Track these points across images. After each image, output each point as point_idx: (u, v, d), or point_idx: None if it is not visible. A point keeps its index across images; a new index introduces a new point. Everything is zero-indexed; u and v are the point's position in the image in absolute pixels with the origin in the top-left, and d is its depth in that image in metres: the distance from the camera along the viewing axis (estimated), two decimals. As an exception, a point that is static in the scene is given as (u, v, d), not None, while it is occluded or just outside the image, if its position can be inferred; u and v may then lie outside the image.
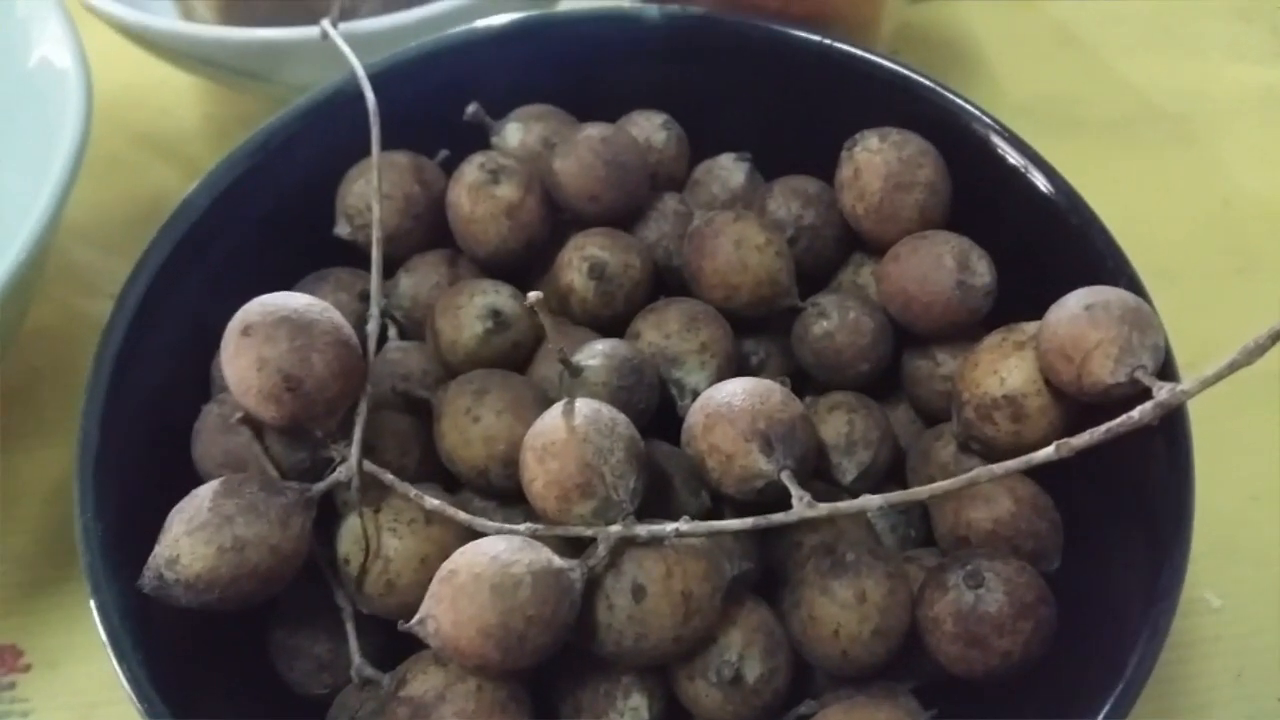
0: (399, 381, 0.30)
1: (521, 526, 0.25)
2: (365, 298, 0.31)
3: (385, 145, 0.31)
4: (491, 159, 0.32)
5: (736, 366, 0.31)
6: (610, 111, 0.35)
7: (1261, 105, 0.49)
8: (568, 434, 0.25)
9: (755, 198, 0.34)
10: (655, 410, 0.29)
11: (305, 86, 0.34)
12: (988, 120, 0.32)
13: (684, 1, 0.36)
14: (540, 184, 0.33)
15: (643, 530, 0.25)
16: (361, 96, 0.31)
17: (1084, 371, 0.26)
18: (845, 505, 0.25)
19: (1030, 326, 0.28)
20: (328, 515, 0.27)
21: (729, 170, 0.35)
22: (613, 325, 0.32)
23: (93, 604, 0.25)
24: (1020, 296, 0.29)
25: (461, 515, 0.26)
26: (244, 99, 0.47)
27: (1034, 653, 0.26)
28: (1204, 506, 0.26)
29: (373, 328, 0.29)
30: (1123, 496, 0.28)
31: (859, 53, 0.34)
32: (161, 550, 0.25)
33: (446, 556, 0.24)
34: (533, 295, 0.24)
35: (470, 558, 0.24)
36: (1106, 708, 0.24)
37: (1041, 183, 0.31)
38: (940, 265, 0.30)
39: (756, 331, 0.32)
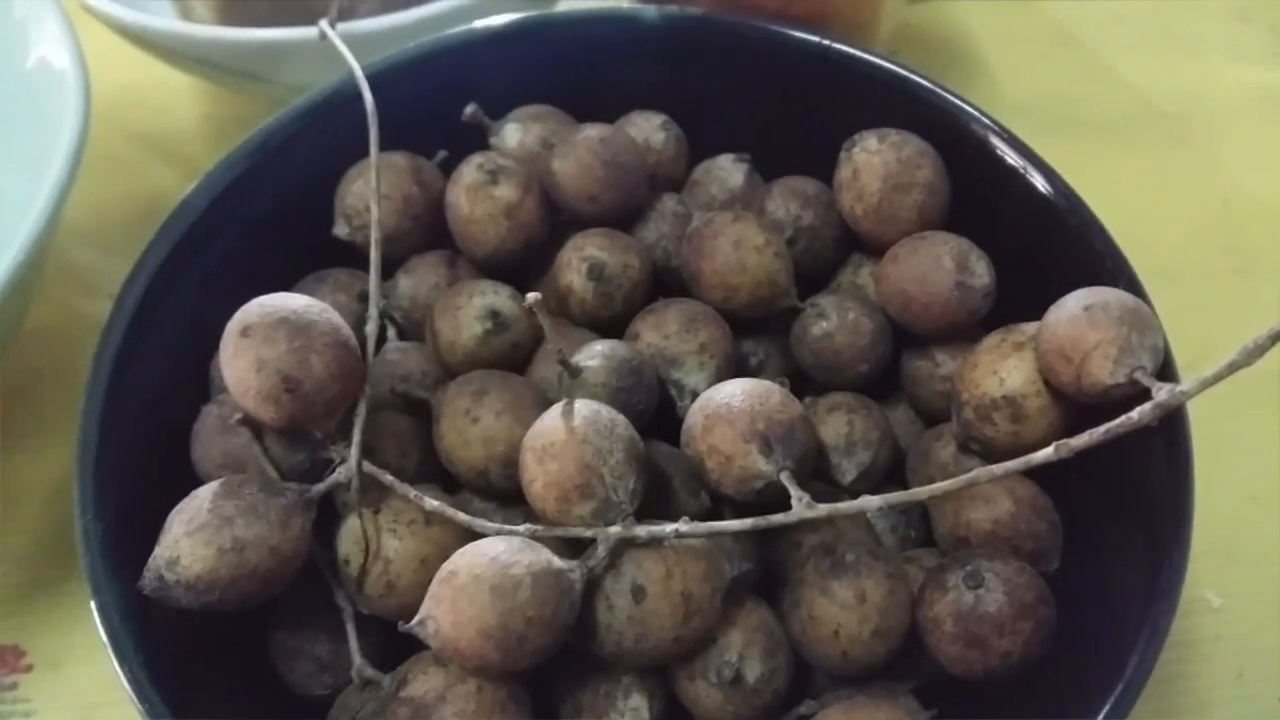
0: (398, 382, 0.30)
1: (521, 527, 0.25)
2: (364, 298, 0.31)
3: (384, 146, 0.31)
4: (490, 160, 0.32)
5: (736, 367, 0.31)
6: (609, 112, 0.35)
7: (1260, 105, 0.49)
8: (567, 435, 0.25)
9: (754, 198, 0.34)
10: (654, 411, 0.29)
11: (303, 87, 0.34)
12: (986, 121, 0.32)
13: (683, 2, 0.36)
14: (539, 185, 0.33)
15: (642, 531, 0.25)
16: (360, 97, 0.31)
17: (1083, 372, 0.26)
18: (845, 506, 0.25)
19: (1029, 327, 0.28)
20: (327, 516, 0.27)
21: (728, 171, 0.35)
22: (612, 326, 0.32)
23: (93, 605, 0.25)
24: (1019, 297, 0.29)
25: (461, 516, 0.26)
26: (242, 99, 0.47)
27: (1034, 653, 0.26)
28: (1204, 506, 0.26)
29: (371, 329, 0.29)
30: (1122, 497, 0.28)
31: (858, 53, 0.34)
32: (161, 551, 0.25)
33: (446, 557, 0.24)
34: (531, 296, 0.24)
35: (470, 559, 0.24)
36: (1106, 708, 0.24)
37: (1040, 183, 0.31)
38: (939, 266, 0.30)
39: (756, 332, 0.32)
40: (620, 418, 0.26)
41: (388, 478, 0.27)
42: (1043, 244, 0.31)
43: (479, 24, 0.35)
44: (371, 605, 0.27)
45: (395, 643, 0.26)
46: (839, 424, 0.30)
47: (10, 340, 0.37)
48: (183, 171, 0.47)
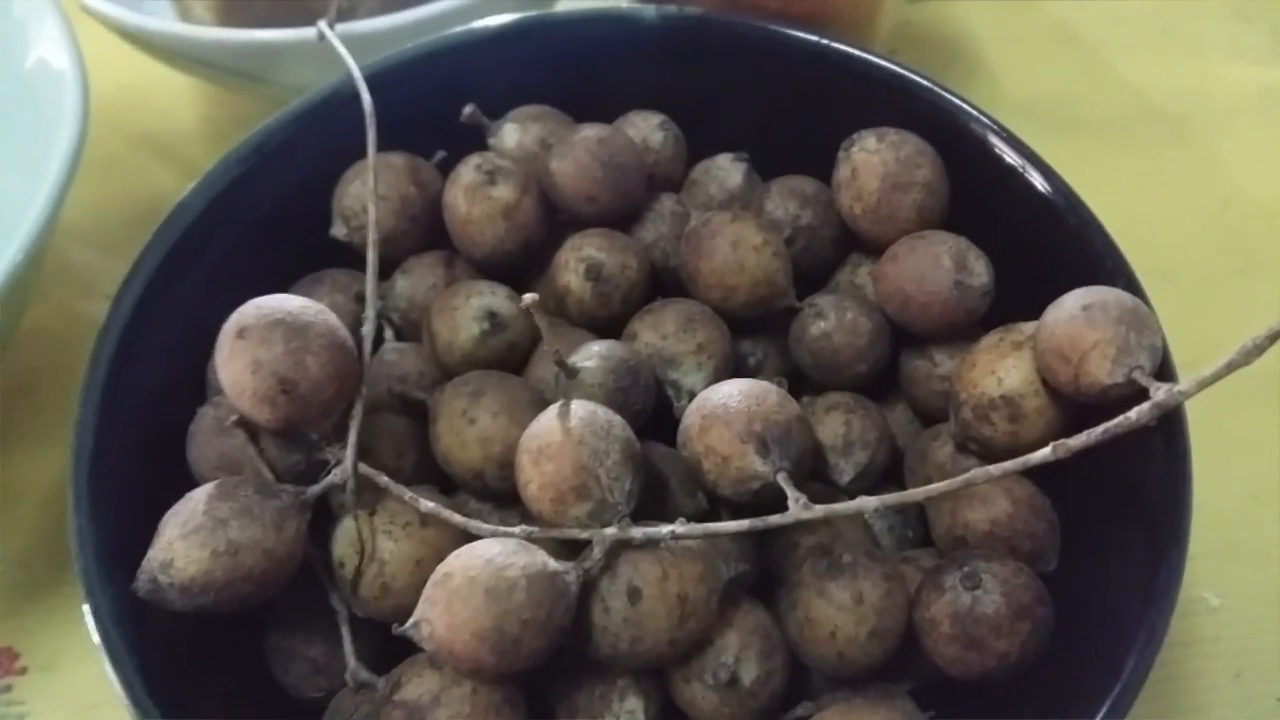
0: (395, 383, 0.30)
1: (517, 529, 0.25)
2: (361, 299, 0.31)
3: (382, 146, 0.31)
4: (488, 160, 0.32)
5: (733, 367, 0.31)
6: (608, 112, 0.35)
7: (1260, 105, 0.49)
8: (563, 436, 0.25)
9: (752, 198, 0.34)
10: (651, 412, 0.29)
11: (302, 87, 0.34)
12: (986, 120, 0.32)
13: (682, 2, 0.36)
14: (537, 185, 0.33)
15: (638, 532, 0.25)
16: (358, 98, 0.31)
17: (1081, 372, 0.26)
18: (842, 507, 0.25)
19: (1028, 327, 0.28)
20: (323, 518, 0.27)
21: (726, 170, 0.35)
22: (609, 326, 0.32)
23: (86, 608, 0.25)
24: (1018, 297, 0.29)
25: (457, 518, 0.26)
26: (241, 100, 0.47)
27: (1031, 654, 0.26)
28: (1203, 506, 0.26)
29: (369, 329, 0.28)
30: (1120, 497, 0.28)
31: (857, 52, 0.34)
32: (156, 554, 0.25)
33: (442, 559, 0.24)
34: (529, 297, 0.24)
35: (465, 561, 0.24)
36: (1105, 708, 0.24)
37: (1039, 183, 0.31)
38: (938, 265, 0.30)
39: (754, 332, 0.32)
40: (617, 418, 0.26)
41: (383, 479, 0.26)
42: (1042, 243, 0.31)
43: (477, 24, 0.35)
44: (366, 607, 0.27)
45: (390, 645, 0.26)
46: (836, 424, 0.30)
47: (9, 340, 0.37)
48: (182, 172, 0.47)
